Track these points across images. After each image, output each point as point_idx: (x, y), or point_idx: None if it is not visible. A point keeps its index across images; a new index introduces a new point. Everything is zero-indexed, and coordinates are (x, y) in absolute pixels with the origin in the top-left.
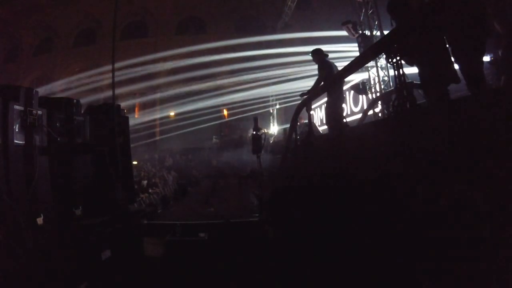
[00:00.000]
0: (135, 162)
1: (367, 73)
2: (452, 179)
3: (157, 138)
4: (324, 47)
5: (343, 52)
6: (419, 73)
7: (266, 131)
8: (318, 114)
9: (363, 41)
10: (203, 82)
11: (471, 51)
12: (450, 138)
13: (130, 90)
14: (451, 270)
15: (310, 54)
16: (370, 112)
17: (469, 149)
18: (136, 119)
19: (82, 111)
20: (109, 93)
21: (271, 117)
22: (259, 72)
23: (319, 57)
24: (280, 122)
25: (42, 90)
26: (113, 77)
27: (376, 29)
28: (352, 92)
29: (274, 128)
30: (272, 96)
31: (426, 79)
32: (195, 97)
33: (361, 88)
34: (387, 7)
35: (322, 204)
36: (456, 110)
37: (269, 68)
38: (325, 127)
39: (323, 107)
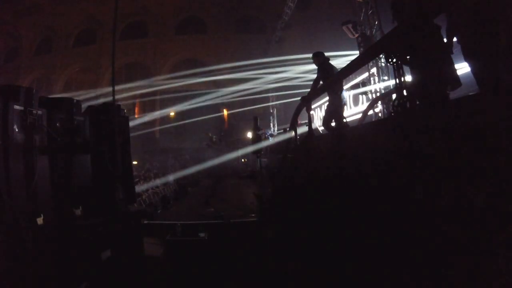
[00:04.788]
0: (135, 162)
1: (367, 73)
2: (452, 179)
3: (157, 137)
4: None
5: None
6: (419, 76)
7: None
8: (318, 114)
9: (363, 41)
10: (203, 83)
11: (484, 50)
12: (450, 137)
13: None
14: (451, 270)
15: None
16: (370, 112)
17: (470, 148)
18: (136, 119)
19: (82, 111)
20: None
21: (271, 117)
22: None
23: (318, 59)
24: (280, 122)
25: None
26: (113, 77)
27: (376, 29)
28: (352, 92)
29: (274, 128)
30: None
31: (426, 82)
32: (195, 98)
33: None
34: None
35: (322, 204)
36: (456, 110)
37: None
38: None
39: (323, 107)
